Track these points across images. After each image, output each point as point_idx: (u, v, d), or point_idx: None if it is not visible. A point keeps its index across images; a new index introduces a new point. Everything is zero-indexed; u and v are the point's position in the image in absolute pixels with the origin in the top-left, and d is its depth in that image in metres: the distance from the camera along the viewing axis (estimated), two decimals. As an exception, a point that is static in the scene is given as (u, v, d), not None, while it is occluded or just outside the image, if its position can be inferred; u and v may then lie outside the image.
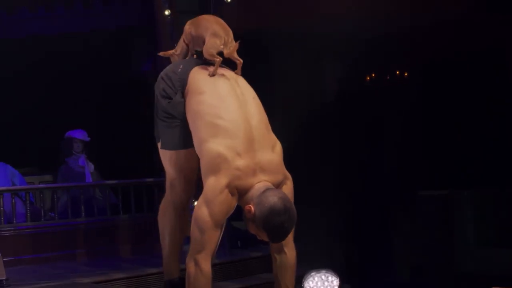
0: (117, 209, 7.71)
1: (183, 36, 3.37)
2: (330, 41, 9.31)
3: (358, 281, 8.14)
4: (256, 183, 2.84)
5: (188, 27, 3.31)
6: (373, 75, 10.23)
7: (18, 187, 7.62)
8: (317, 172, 8.45)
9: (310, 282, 3.24)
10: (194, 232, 2.88)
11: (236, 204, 2.88)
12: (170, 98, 3.06)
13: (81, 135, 8.31)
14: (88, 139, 8.34)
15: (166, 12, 7.70)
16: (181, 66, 3.12)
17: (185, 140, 3.06)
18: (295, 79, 8.50)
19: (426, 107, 9.74)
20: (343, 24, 8.81)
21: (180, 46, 3.36)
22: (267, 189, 2.81)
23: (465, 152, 9.31)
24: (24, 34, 8.99)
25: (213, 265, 2.99)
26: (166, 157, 3.16)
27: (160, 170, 8.68)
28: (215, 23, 3.20)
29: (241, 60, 3.15)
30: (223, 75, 3.08)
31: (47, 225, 7.42)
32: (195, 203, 3.01)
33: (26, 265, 6.92)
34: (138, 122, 8.10)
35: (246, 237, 6.28)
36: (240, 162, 2.85)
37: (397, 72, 10.13)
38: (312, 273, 3.29)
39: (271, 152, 2.93)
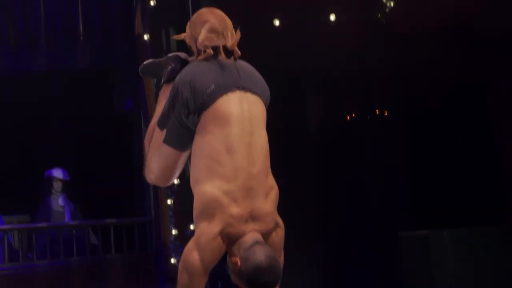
0: (97, 249, 7.86)
1: (188, 36, 3.27)
2: (312, 77, 9.51)
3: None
4: (248, 231, 2.85)
5: (189, 30, 3.19)
6: (353, 115, 10.34)
7: None
8: (295, 211, 8.49)
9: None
10: (182, 276, 2.85)
11: (225, 252, 2.89)
12: (188, 112, 2.94)
13: (61, 174, 8.38)
14: (68, 178, 8.41)
15: (145, 37, 7.97)
16: (212, 87, 2.94)
17: (186, 144, 3.01)
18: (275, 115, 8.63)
19: (406, 145, 9.82)
20: (324, 60, 8.95)
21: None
22: (255, 243, 2.81)
23: (445, 190, 9.35)
24: (5, 72, 9.13)
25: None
26: (162, 148, 3.08)
27: (140, 210, 8.83)
28: (212, 15, 3.09)
29: (239, 53, 3.09)
30: (240, 104, 2.99)
31: (26, 266, 7.61)
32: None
33: (3, 307, 7.09)
34: (119, 161, 8.19)
35: (227, 279, 6.35)
36: (235, 210, 2.85)
37: (377, 110, 10.28)
38: None
39: (265, 199, 2.92)
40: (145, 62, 3.34)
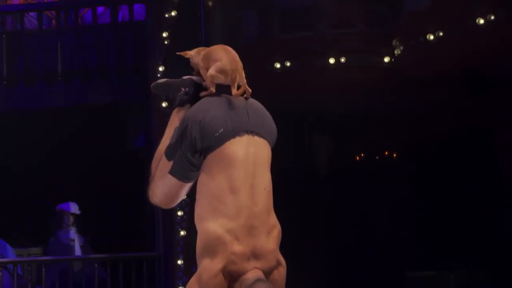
0: (105, 284, 7.74)
1: (193, 58, 3.26)
2: (322, 118, 9.51)
3: None
4: (249, 269, 2.86)
5: (201, 61, 3.17)
6: (362, 154, 10.35)
7: (5, 259, 7.67)
8: (301, 249, 8.47)
9: None
10: None
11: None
12: (195, 151, 2.96)
13: (72, 208, 8.38)
14: (79, 212, 8.40)
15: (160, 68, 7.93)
16: (221, 130, 2.96)
17: (191, 178, 3.02)
18: (287, 154, 8.64)
19: (413, 187, 9.80)
20: (334, 102, 8.91)
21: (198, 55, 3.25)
22: (257, 281, 2.83)
23: (453, 232, 9.26)
24: (19, 107, 9.17)
25: None
26: (167, 177, 3.09)
27: (149, 245, 8.76)
28: (225, 56, 3.09)
29: (250, 90, 3.12)
30: (246, 147, 3.00)
31: None
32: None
33: None
34: (130, 196, 8.19)
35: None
36: (237, 248, 2.87)
37: (386, 152, 10.26)
38: None
39: (267, 238, 2.94)
40: (159, 81, 3.34)
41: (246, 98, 3.12)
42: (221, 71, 3.04)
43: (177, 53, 3.33)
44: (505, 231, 8.71)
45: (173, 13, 8.34)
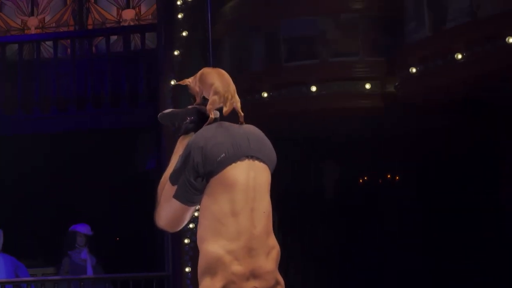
0: None
1: (190, 84, 3.34)
2: (328, 144, 9.44)
3: None
4: None
5: (198, 80, 3.27)
6: (366, 177, 10.33)
7: (20, 279, 7.67)
8: (308, 267, 8.50)
9: None
10: None
11: None
12: (197, 176, 2.99)
13: (84, 229, 8.35)
14: (91, 233, 8.36)
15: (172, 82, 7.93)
16: (222, 155, 3.00)
17: (194, 201, 3.06)
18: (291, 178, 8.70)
19: (419, 208, 9.78)
20: (338, 128, 9.00)
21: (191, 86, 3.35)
22: None
23: (458, 257, 9.17)
24: (34, 131, 9.22)
25: None
26: (171, 201, 3.13)
27: (160, 264, 8.73)
28: (218, 79, 3.17)
29: (242, 114, 3.18)
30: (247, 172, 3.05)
31: None
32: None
33: None
34: (140, 217, 8.22)
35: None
36: (237, 268, 2.89)
37: (388, 176, 10.26)
38: None
39: (266, 258, 2.97)
40: (165, 111, 3.37)
41: (241, 123, 3.18)
42: (215, 92, 3.11)
43: (177, 82, 3.41)
44: (506, 232, 8.63)
45: (183, 34, 8.41)
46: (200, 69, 3.32)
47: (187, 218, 3.12)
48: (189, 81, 3.30)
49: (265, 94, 8.62)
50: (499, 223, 8.81)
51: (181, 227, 3.21)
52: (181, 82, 3.39)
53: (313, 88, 8.63)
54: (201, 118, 3.20)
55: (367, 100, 8.56)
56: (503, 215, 8.78)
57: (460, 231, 9.25)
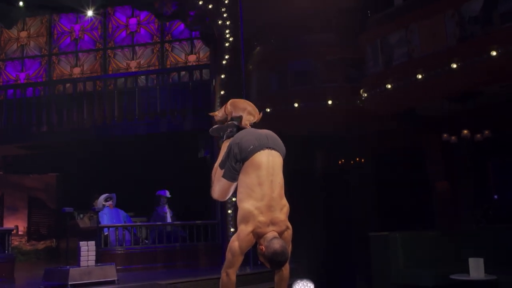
0: (185, 239, 7.85)
1: (225, 109, 3.34)
2: (318, 139, 9.77)
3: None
4: (268, 231, 2.92)
5: (229, 106, 3.29)
6: (342, 160, 10.55)
7: (127, 224, 7.87)
8: (304, 221, 8.18)
9: (297, 286, 3.45)
10: (228, 255, 2.91)
11: (255, 242, 2.97)
12: (236, 161, 3.00)
13: (165, 193, 8.55)
14: (169, 196, 8.55)
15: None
16: (251, 147, 3.00)
17: (235, 179, 3.12)
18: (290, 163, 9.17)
19: (375, 180, 10.06)
20: (325, 129, 9.36)
21: (222, 112, 3.34)
22: (273, 238, 2.89)
23: (398, 208, 9.38)
24: (135, 132, 9.36)
25: (237, 276, 3.10)
26: (221, 180, 3.11)
27: (211, 216, 8.62)
28: (249, 105, 3.27)
29: (261, 115, 3.35)
30: (268, 157, 3.04)
31: (143, 248, 7.72)
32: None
33: (129, 272, 7.24)
34: (199, 187, 7.65)
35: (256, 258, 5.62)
36: (261, 218, 2.89)
37: (357, 159, 10.49)
38: (298, 281, 3.47)
39: (280, 212, 2.96)
40: (214, 126, 3.38)
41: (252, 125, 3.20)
42: (249, 113, 3.25)
43: (209, 113, 3.54)
44: (431, 206, 8.72)
45: (223, 76, 8.50)
46: (236, 95, 3.60)
47: (231, 191, 3.11)
48: (216, 113, 3.39)
49: (278, 108, 8.97)
50: (425, 191, 9.07)
51: (227, 198, 3.19)
52: (211, 114, 3.51)
53: (309, 104, 8.99)
54: (237, 129, 3.27)
55: (342, 112, 8.96)
56: (428, 187, 9.01)
57: (400, 197, 9.50)
